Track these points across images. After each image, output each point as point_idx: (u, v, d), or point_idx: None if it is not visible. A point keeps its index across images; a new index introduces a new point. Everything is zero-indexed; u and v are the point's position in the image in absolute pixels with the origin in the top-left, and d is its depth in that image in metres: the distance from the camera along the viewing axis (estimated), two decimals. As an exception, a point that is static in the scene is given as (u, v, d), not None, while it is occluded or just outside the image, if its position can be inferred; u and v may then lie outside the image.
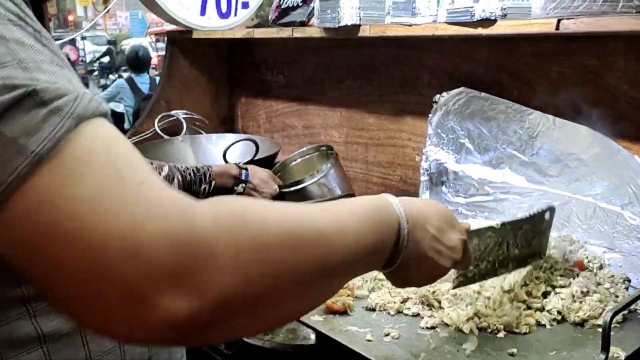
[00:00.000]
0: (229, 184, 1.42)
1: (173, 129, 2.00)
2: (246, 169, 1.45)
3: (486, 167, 1.33)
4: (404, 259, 0.63)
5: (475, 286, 0.95)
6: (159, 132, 1.94)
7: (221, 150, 1.86)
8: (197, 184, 1.36)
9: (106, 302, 0.41)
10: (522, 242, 0.93)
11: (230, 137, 1.91)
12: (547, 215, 0.97)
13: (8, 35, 0.44)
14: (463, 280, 0.88)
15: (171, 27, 1.93)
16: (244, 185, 1.43)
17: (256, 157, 1.61)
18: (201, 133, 2.03)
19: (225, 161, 1.56)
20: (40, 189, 0.41)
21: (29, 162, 0.41)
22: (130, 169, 0.44)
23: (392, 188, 1.60)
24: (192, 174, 1.36)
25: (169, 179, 1.28)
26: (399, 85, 1.54)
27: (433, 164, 1.42)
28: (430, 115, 1.39)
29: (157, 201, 0.43)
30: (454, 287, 0.89)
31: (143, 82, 4.95)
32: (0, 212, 0.41)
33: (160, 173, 1.30)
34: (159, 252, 0.41)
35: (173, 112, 2.01)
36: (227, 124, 2.18)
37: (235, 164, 1.47)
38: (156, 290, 0.40)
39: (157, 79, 5.23)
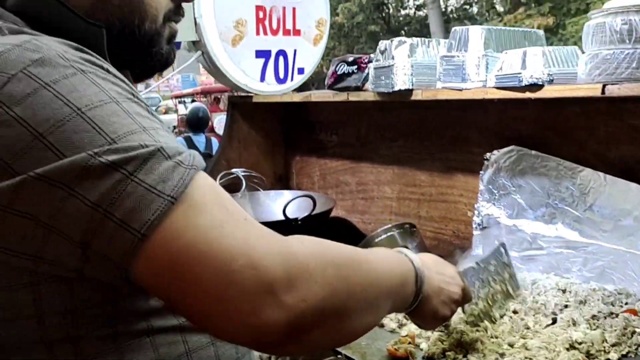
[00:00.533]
0: None
1: (233, 186, 2.12)
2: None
3: (539, 222, 1.37)
4: (423, 292, 0.77)
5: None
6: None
7: (279, 205, 1.96)
8: None
9: (233, 307, 0.51)
10: (497, 277, 1.14)
11: (287, 194, 2.01)
12: (502, 249, 1.19)
13: (131, 110, 0.55)
14: (473, 320, 1.04)
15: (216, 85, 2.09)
16: None
17: (313, 213, 1.69)
18: (259, 190, 2.15)
19: (285, 216, 1.66)
20: (176, 223, 0.52)
21: (167, 203, 0.52)
22: (234, 208, 0.57)
23: (445, 242, 1.65)
24: None
25: None
26: (449, 144, 1.61)
27: (485, 218, 1.47)
28: (481, 172, 1.45)
29: (261, 231, 0.56)
30: (467, 323, 1.03)
31: (200, 140, 5.19)
32: (147, 243, 0.51)
33: None
34: (272, 266, 0.52)
35: (233, 170, 2.14)
36: (282, 181, 2.29)
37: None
38: (272, 294, 0.52)
39: (213, 138, 5.49)
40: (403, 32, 17.89)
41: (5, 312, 0.55)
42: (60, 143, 0.50)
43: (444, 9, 16.02)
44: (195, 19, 1.85)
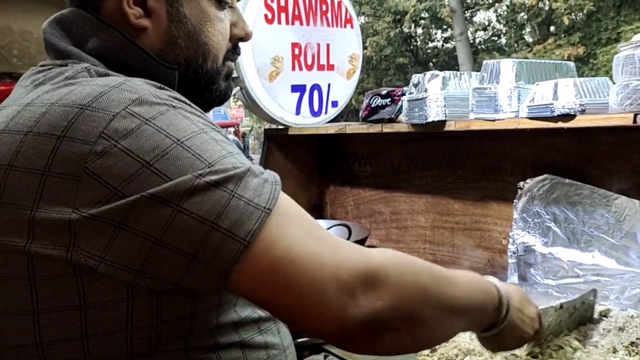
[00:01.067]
0: None
1: (269, 216, 2.18)
2: None
3: (575, 249, 1.38)
4: (504, 324, 0.78)
5: None
6: (257, 219, 2.12)
7: (314, 235, 2.01)
8: None
9: (321, 308, 0.58)
10: (572, 325, 1.11)
11: (322, 223, 2.05)
12: (592, 297, 1.15)
13: (217, 138, 0.64)
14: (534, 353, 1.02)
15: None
16: None
17: (349, 241, 1.73)
18: (293, 219, 2.19)
19: (321, 245, 1.70)
20: (273, 232, 0.59)
21: (264, 214, 0.59)
22: (314, 221, 0.66)
23: (479, 270, 1.66)
24: None
25: None
26: (482, 173, 1.64)
27: (520, 246, 1.48)
28: (515, 200, 1.47)
29: (342, 242, 0.64)
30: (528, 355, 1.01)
31: None
32: (251, 250, 0.58)
33: None
34: (354, 269, 0.59)
35: (269, 201, 2.20)
36: (317, 211, 2.34)
37: None
38: (353, 296, 0.58)
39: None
40: (431, 64, 18.02)
41: (103, 326, 0.60)
42: (166, 169, 0.58)
43: (471, 41, 16.10)
44: (234, 56, 1.95)
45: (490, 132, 1.48)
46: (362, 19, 17.60)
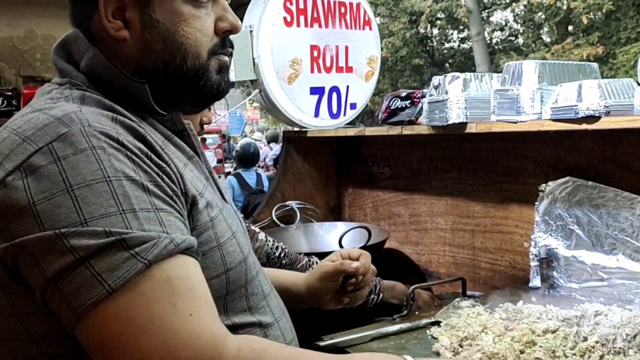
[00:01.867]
0: (395, 299, 1.48)
1: (287, 218, 2.18)
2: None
3: (598, 252, 1.37)
4: None
5: None
6: (276, 221, 2.13)
7: (333, 237, 2.01)
8: (368, 294, 1.42)
9: None
10: None
11: (340, 225, 2.06)
12: None
13: (121, 191, 0.62)
14: None
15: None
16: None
17: (368, 244, 1.73)
18: (312, 221, 2.20)
19: (341, 247, 1.70)
20: (110, 312, 0.59)
21: (104, 292, 0.59)
22: (184, 303, 0.62)
23: (500, 273, 1.65)
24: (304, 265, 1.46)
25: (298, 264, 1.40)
26: (504, 175, 1.63)
27: (542, 249, 1.47)
28: (536, 203, 1.46)
29: (197, 332, 0.61)
30: None
31: (250, 177, 5.27)
32: (82, 323, 0.60)
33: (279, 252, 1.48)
34: None
35: (287, 203, 2.21)
36: (335, 213, 2.34)
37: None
38: None
39: (262, 174, 5.58)
40: (447, 65, 17.90)
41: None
42: (43, 215, 0.60)
43: (488, 41, 15.98)
44: (253, 59, 1.96)
45: (512, 134, 1.47)
46: (378, 19, 17.54)
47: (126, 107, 0.75)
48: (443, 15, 16.80)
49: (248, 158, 5.44)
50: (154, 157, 0.69)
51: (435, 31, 18.30)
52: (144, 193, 0.64)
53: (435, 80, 1.53)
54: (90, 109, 0.69)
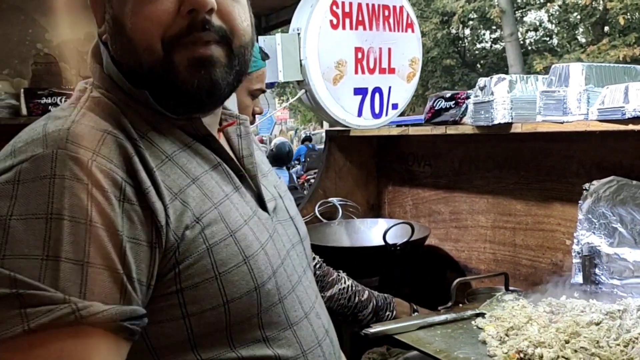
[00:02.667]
0: (405, 314, 1.55)
1: (329, 214, 2.25)
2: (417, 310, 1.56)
3: (641, 250, 1.40)
4: None
5: None
6: (318, 216, 2.21)
7: (374, 232, 2.08)
8: (384, 310, 1.49)
9: None
10: None
11: (382, 222, 2.12)
12: None
13: (55, 234, 0.55)
14: None
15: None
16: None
17: (411, 239, 1.79)
18: (353, 218, 2.27)
19: (385, 242, 1.76)
20: None
21: None
22: None
23: (542, 270, 1.69)
24: (382, 301, 1.50)
25: (368, 301, 1.44)
26: (546, 174, 1.67)
27: (585, 247, 1.51)
28: (580, 201, 1.50)
29: None
30: None
31: (284, 175, 5.38)
32: None
33: (363, 294, 1.46)
34: None
35: (330, 199, 2.28)
36: (375, 210, 2.41)
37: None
38: None
39: (294, 174, 5.68)
40: (479, 65, 17.74)
41: None
42: None
43: (521, 42, 15.78)
44: (300, 61, 2.04)
45: (555, 134, 1.51)
46: (409, 20, 17.47)
47: (144, 111, 0.70)
48: (475, 16, 16.66)
49: (283, 157, 5.54)
50: (128, 190, 0.61)
51: (467, 31, 18.16)
52: (82, 239, 0.56)
53: (481, 81, 1.58)
54: (86, 122, 0.64)
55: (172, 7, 0.66)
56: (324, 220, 2.19)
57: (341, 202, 2.28)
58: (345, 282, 1.45)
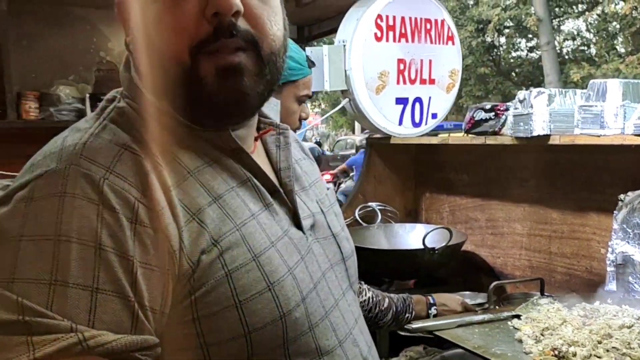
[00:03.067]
0: (424, 311, 1.62)
1: (368, 218, 2.35)
2: (430, 295, 1.58)
3: (675, 260, 1.45)
4: None
5: None
6: (358, 220, 2.30)
7: (413, 237, 2.17)
8: (403, 313, 1.50)
9: None
10: None
11: (420, 227, 2.20)
12: None
13: (64, 256, 0.53)
14: None
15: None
16: (435, 307, 1.54)
17: (449, 244, 1.87)
18: (391, 222, 2.36)
19: (424, 245, 1.85)
20: None
21: None
22: None
23: (576, 277, 1.75)
24: (401, 305, 1.52)
25: (388, 309, 1.47)
26: (582, 185, 1.73)
27: (619, 256, 1.57)
28: (615, 212, 1.56)
29: None
30: None
31: None
32: None
33: (383, 304, 1.47)
34: None
35: (369, 204, 2.38)
36: (412, 216, 2.49)
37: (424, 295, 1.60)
38: None
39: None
40: (514, 74, 17.60)
41: None
42: None
43: (558, 51, 15.59)
44: (345, 71, 2.15)
45: (592, 146, 1.58)
46: (444, 28, 17.45)
47: (169, 123, 0.67)
48: (511, 24, 16.55)
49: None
50: (141, 211, 0.58)
51: (503, 39, 18.02)
52: (91, 263, 0.54)
53: (521, 94, 1.66)
54: (104, 136, 0.62)
55: (196, 11, 0.62)
56: (364, 224, 2.29)
57: (380, 207, 2.37)
58: (366, 294, 1.47)
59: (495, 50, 18.09)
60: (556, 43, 15.43)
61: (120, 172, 0.58)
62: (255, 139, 0.77)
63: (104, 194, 0.56)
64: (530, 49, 17.82)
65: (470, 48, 16.56)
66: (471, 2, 16.81)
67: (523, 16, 15.17)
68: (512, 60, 18.36)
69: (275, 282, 0.65)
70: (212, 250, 0.61)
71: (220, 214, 0.64)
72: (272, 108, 0.83)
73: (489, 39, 17.21)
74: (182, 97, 0.65)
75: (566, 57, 16.42)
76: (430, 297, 1.57)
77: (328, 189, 0.94)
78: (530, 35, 16.99)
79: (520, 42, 18.10)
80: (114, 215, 0.56)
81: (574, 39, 16.89)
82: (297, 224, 0.74)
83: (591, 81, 1.49)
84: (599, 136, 1.43)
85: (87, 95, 2.09)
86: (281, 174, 0.77)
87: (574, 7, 16.11)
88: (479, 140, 1.85)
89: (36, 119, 2.02)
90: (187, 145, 0.67)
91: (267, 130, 0.79)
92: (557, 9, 16.07)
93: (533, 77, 16.84)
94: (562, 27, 16.82)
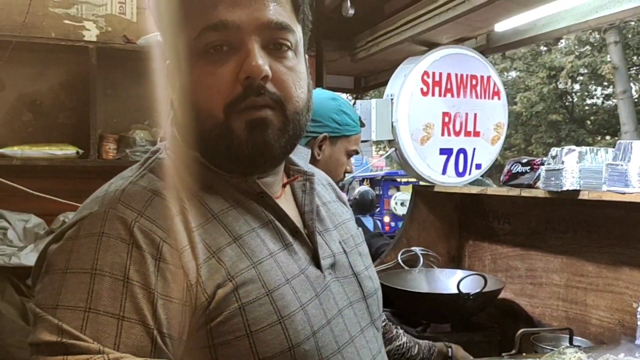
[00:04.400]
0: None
1: (411, 262, 2.44)
2: (450, 347, 1.65)
3: (703, 318, 1.46)
4: None
5: None
6: (401, 263, 2.40)
7: (451, 282, 2.24)
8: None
9: None
10: None
11: (459, 272, 2.27)
12: None
13: (99, 287, 0.61)
14: None
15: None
16: None
17: (484, 290, 1.93)
18: (433, 267, 2.44)
19: (459, 290, 1.92)
20: None
21: None
22: None
23: (609, 330, 1.77)
24: (426, 352, 1.59)
25: (417, 355, 1.54)
26: (616, 239, 1.77)
27: (650, 311, 1.59)
28: (646, 267, 1.59)
29: None
30: None
31: (368, 221, 5.58)
32: None
33: (414, 350, 1.54)
34: None
35: (412, 248, 2.47)
36: (455, 261, 2.56)
37: (444, 343, 1.67)
38: None
39: (378, 221, 5.86)
40: (588, 122, 17.06)
41: None
42: (43, 286, 0.64)
43: (636, 99, 15.03)
44: (392, 122, 2.30)
45: (621, 202, 1.63)
46: (514, 73, 17.33)
47: (201, 171, 0.75)
48: (586, 71, 16.17)
49: (367, 205, 5.77)
50: (165, 250, 0.65)
51: (577, 87, 17.60)
52: (120, 295, 0.62)
53: (553, 151, 1.74)
54: (141, 183, 0.71)
55: (231, 76, 0.71)
56: (406, 267, 2.38)
57: (423, 252, 2.46)
58: (402, 339, 1.53)
59: (569, 97, 17.67)
60: (633, 92, 14.89)
61: (149, 215, 0.67)
62: (284, 185, 0.84)
63: (134, 235, 0.64)
64: (606, 97, 17.27)
65: (542, 95, 16.27)
66: (544, 49, 16.60)
67: (598, 63, 14.82)
68: (586, 108, 17.82)
69: (285, 316, 0.70)
70: (227, 285, 0.68)
71: (239, 253, 0.71)
72: (302, 156, 0.93)
73: (561, 86, 16.86)
74: (215, 148, 0.73)
75: (644, 105, 15.77)
76: (450, 349, 1.63)
77: (359, 229, 0.99)
78: (605, 83, 16.50)
79: (595, 89, 17.59)
80: (141, 253, 0.64)
81: (652, 87, 16.24)
82: (317, 263, 0.79)
83: (618, 141, 1.56)
84: (623, 193, 1.49)
85: (159, 139, 2.34)
86: (305, 216, 0.83)
87: (653, 55, 15.56)
88: (515, 192, 1.93)
89: (114, 159, 2.28)
90: (216, 190, 0.75)
91: (294, 177, 0.86)
92: (635, 58, 15.58)
93: (609, 126, 16.25)
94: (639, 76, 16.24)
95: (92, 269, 0.62)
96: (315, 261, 0.80)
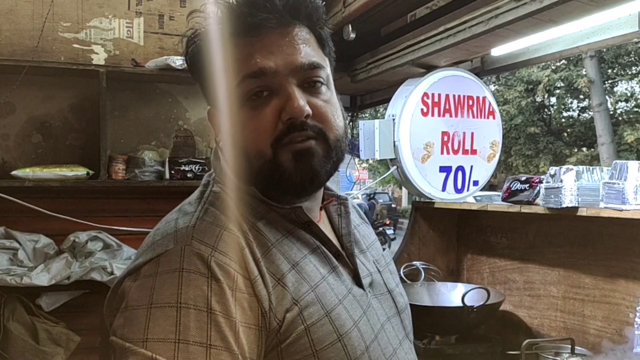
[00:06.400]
0: None
1: (412, 276, 2.53)
2: None
3: (697, 327, 1.57)
4: None
5: None
6: (403, 277, 2.48)
7: (454, 295, 2.33)
8: None
9: None
10: None
11: (461, 286, 2.36)
12: None
13: (183, 320, 0.65)
14: None
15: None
16: None
17: (487, 303, 2.02)
18: (434, 281, 2.52)
19: (463, 303, 2.01)
20: None
21: None
22: None
23: (606, 339, 1.87)
24: None
25: None
26: (612, 253, 1.88)
27: (646, 320, 1.69)
28: (641, 279, 1.70)
29: None
30: None
31: None
32: None
33: None
34: None
35: (413, 262, 2.56)
36: (454, 275, 2.65)
37: None
38: None
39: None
40: (565, 134, 17.44)
41: None
42: (126, 321, 0.68)
43: (611, 112, 15.44)
44: (394, 142, 2.39)
45: (616, 218, 1.73)
46: (492, 87, 17.68)
47: (253, 203, 0.81)
48: (562, 85, 16.57)
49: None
50: (239, 280, 0.70)
51: (553, 100, 18.00)
52: (205, 325, 0.66)
53: (552, 170, 1.85)
54: (207, 219, 0.75)
55: (274, 117, 0.77)
56: (408, 281, 2.47)
57: (424, 266, 2.55)
58: None
59: (546, 110, 18.06)
60: (609, 104, 15.30)
61: (222, 249, 0.71)
62: (320, 209, 0.90)
63: (212, 268, 0.69)
64: (582, 110, 17.69)
65: (520, 108, 16.62)
66: (521, 63, 16.94)
67: (574, 77, 15.20)
68: (563, 120, 18.23)
69: (343, 334, 0.76)
70: (294, 309, 0.73)
71: (298, 278, 0.76)
72: (334, 180, 1.01)
73: (539, 99, 17.24)
74: (265, 181, 0.80)
75: (619, 118, 16.21)
76: None
77: (384, 249, 1.04)
78: (581, 96, 16.92)
79: (571, 102, 18.01)
80: (219, 285, 0.68)
81: (627, 100, 16.70)
82: (358, 283, 0.85)
83: (614, 162, 1.67)
84: (620, 210, 1.59)
85: (167, 159, 2.40)
86: (343, 239, 0.88)
87: (627, 69, 16.03)
88: (515, 208, 2.03)
89: (123, 179, 2.33)
90: (268, 221, 0.80)
91: (330, 200, 0.92)
92: (609, 71, 16.03)
93: (585, 138, 16.65)
94: (615, 89, 16.70)
95: (177, 302, 0.66)
96: (357, 281, 0.85)
